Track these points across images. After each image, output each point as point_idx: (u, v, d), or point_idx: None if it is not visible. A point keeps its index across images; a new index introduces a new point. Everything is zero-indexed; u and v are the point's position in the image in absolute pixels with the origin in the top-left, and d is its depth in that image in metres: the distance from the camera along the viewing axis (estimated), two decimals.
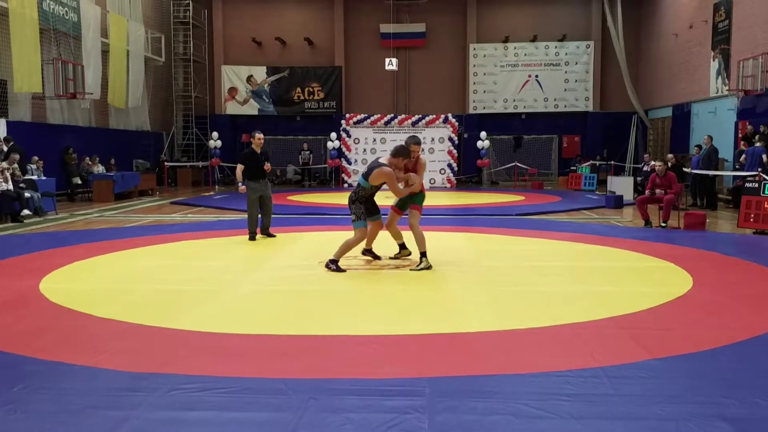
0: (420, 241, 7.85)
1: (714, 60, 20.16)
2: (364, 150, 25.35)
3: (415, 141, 7.94)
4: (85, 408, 3.66)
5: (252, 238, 10.28)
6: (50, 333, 5.20)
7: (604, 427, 3.45)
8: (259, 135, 10.56)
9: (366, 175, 7.64)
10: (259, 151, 10.34)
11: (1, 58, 16.32)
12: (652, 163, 16.54)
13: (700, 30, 21.23)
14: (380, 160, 7.71)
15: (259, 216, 10.48)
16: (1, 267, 8.07)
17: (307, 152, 26.58)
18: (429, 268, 7.71)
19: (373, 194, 7.91)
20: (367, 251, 8.40)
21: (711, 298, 6.35)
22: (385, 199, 8.77)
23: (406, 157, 7.79)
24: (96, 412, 3.62)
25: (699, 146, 16.94)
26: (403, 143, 7.88)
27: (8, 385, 3.99)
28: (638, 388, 3.96)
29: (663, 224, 11.94)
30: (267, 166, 10.42)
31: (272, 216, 10.77)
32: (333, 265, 7.67)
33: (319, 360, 4.54)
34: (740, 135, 17.66)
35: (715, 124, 19.85)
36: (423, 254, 7.82)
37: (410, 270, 7.68)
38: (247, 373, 4.23)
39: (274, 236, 10.49)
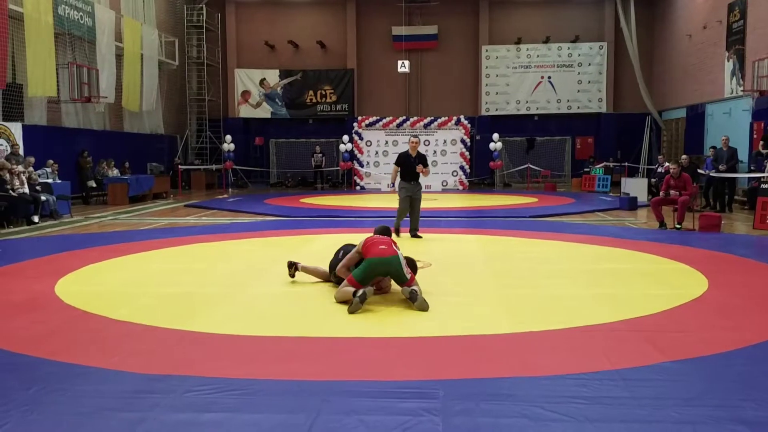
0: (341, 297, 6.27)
1: (728, 61, 20.01)
2: (376, 152, 25.38)
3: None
4: (100, 410, 3.68)
5: (396, 233, 10.61)
6: (65, 335, 5.24)
7: (620, 430, 3.43)
8: (414, 139, 11.09)
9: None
10: (414, 155, 10.87)
11: (17, 63, 16.45)
12: (667, 164, 16.44)
13: (714, 30, 21.08)
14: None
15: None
16: (16, 270, 8.14)
17: (320, 155, 26.62)
18: (360, 297, 5.88)
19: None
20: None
21: (727, 300, 6.29)
22: None
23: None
24: (111, 413, 3.64)
25: (714, 147, 16.78)
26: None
27: (25, 387, 4.02)
28: (654, 390, 3.93)
29: (678, 226, 11.86)
30: (421, 168, 10.81)
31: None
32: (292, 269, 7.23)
33: (333, 362, 4.54)
34: (755, 136, 17.52)
35: (730, 125, 19.70)
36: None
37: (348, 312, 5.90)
38: (261, 375, 4.24)
39: (421, 237, 10.75)
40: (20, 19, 16.06)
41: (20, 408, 3.70)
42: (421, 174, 10.86)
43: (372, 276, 6.21)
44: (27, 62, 16.17)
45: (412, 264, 6.55)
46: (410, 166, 10.86)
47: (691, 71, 23.15)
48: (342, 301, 6.13)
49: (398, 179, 11.01)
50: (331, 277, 6.92)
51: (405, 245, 9.24)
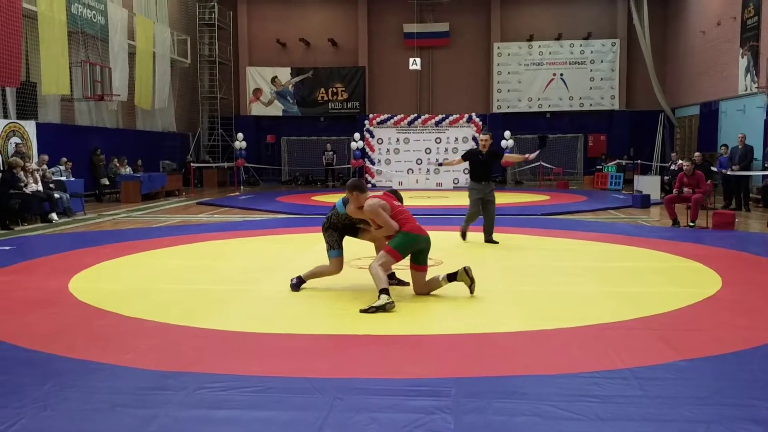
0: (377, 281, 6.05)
1: (743, 57, 19.84)
2: (388, 150, 25.37)
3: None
4: (113, 406, 3.71)
5: (463, 237, 10.12)
6: (79, 332, 5.27)
7: (633, 428, 3.41)
8: (484, 136, 10.17)
9: (345, 201, 6.54)
10: (484, 152, 9.96)
11: (31, 61, 16.56)
12: (680, 162, 16.33)
13: (728, 27, 20.90)
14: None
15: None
16: (31, 267, 8.20)
17: (331, 153, 26.64)
18: (385, 306, 5.78)
19: (349, 228, 6.72)
20: (390, 276, 6.64)
21: (741, 298, 6.25)
22: None
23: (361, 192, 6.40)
24: (124, 410, 3.66)
25: (725, 145, 16.64)
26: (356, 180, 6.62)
27: (39, 383, 4.05)
28: (667, 389, 3.91)
29: (691, 224, 11.79)
30: (513, 158, 10.02)
31: (490, 221, 9.96)
32: (296, 280, 6.70)
33: (345, 359, 4.55)
34: None
35: (744, 123, 19.53)
36: (382, 291, 5.92)
37: (360, 311, 5.80)
38: (273, 372, 4.25)
39: (497, 242, 9.83)
40: (34, 17, 16.17)
41: (35, 404, 3.73)
42: (490, 172, 9.99)
43: (411, 251, 6.25)
44: (41, 61, 16.27)
45: (398, 195, 6.73)
46: (479, 163, 9.95)
47: (705, 68, 22.98)
48: (380, 275, 5.97)
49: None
50: (324, 235, 6.68)
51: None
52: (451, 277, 6.29)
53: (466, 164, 10.46)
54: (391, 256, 6.15)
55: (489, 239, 10.00)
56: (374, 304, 5.78)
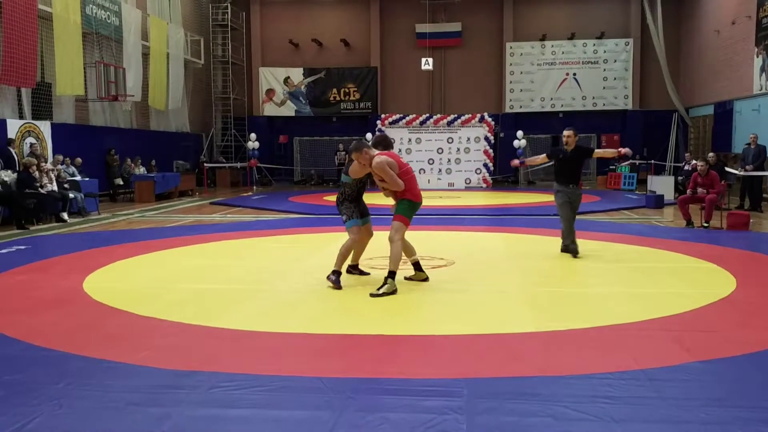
0: (393, 259, 6.60)
1: (758, 56, 19.68)
2: (400, 150, 25.34)
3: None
4: (127, 404, 3.73)
5: (564, 249, 8.90)
6: (94, 330, 5.31)
7: (646, 430, 3.40)
8: (567, 132, 8.83)
9: (347, 170, 6.96)
10: (569, 150, 8.78)
11: (46, 62, 16.69)
12: (694, 162, 16.22)
13: (743, 26, 20.74)
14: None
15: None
16: (46, 266, 8.27)
17: (343, 153, 26.65)
18: (393, 292, 6.44)
19: (360, 191, 7.05)
20: (353, 267, 7.42)
21: (756, 299, 6.20)
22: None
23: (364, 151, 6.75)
24: (138, 408, 3.68)
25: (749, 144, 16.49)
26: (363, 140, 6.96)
27: (54, 381, 4.09)
28: (681, 391, 3.89)
29: (705, 224, 11.71)
30: (602, 152, 9.15)
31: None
32: (334, 276, 6.78)
33: (358, 359, 4.55)
34: None
35: (759, 122, 19.37)
36: (390, 274, 6.54)
37: (370, 294, 6.40)
38: (287, 371, 4.26)
39: (578, 256, 8.70)
40: (49, 18, 16.30)
41: (50, 402, 3.76)
42: (577, 174, 8.86)
43: (413, 214, 6.89)
44: (56, 61, 16.40)
45: (387, 142, 7.19)
46: (562, 163, 8.83)
47: (719, 67, 22.82)
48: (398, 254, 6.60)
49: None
50: (340, 209, 7.02)
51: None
52: (416, 267, 7.08)
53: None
54: (403, 223, 6.72)
55: (567, 248, 8.90)
56: (385, 291, 6.39)
